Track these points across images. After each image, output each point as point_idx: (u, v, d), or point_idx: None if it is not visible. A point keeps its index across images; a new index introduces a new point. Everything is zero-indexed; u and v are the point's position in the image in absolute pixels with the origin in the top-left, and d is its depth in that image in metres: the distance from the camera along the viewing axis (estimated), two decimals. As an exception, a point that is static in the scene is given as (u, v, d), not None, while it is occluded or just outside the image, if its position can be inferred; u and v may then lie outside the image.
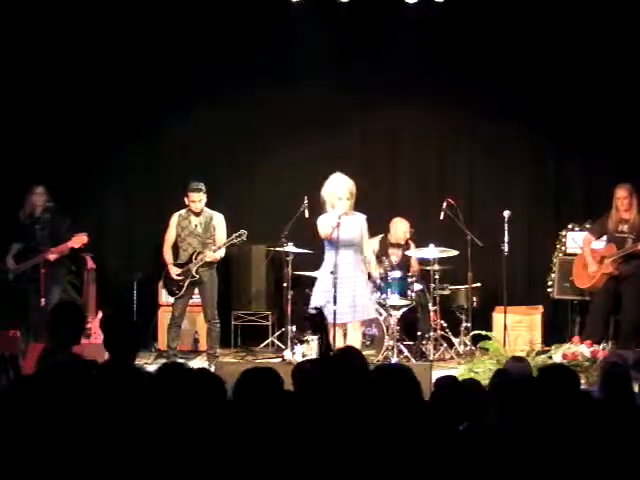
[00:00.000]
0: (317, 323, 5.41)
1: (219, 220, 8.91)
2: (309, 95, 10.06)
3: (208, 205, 8.90)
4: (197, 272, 8.78)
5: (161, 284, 9.38)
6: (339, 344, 7.62)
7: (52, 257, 8.54)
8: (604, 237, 8.80)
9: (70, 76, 9.98)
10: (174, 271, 8.81)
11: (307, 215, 8.78)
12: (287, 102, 10.07)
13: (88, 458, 3.57)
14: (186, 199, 8.83)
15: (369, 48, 10.04)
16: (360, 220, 7.99)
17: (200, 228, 8.85)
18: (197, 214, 8.84)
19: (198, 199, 8.78)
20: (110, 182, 10.23)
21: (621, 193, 8.54)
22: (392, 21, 9.94)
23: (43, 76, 9.93)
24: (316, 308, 5.62)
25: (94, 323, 8.64)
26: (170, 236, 8.93)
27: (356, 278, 7.86)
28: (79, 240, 8.62)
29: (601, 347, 7.91)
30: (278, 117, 10.15)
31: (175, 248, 8.95)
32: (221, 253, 8.84)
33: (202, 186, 8.80)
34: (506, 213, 8.54)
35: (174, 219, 8.92)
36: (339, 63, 10.08)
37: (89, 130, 10.10)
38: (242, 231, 8.72)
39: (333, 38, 9.98)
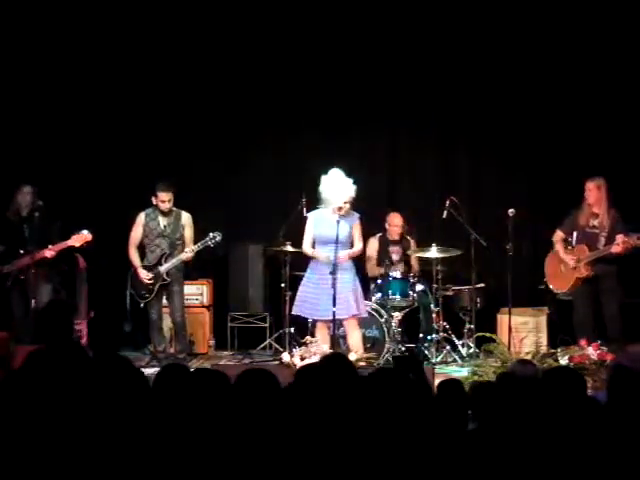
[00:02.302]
0: (411, 364, 5.23)
1: (187, 219, 8.67)
2: (308, 94, 9.98)
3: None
4: (168, 275, 8.56)
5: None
6: (324, 342, 7.78)
7: (49, 254, 8.28)
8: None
9: (60, 76, 9.90)
10: (144, 275, 8.55)
11: (305, 214, 8.69)
12: (285, 101, 10.00)
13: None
14: (154, 198, 8.58)
15: (369, 47, 9.97)
16: (351, 220, 7.94)
17: (169, 229, 8.63)
18: (165, 214, 8.61)
19: (167, 199, 8.54)
20: (103, 181, 10.05)
21: (587, 185, 8.37)
22: (392, 20, 9.89)
23: (31, 76, 9.85)
24: (407, 349, 5.45)
25: (84, 324, 8.46)
26: (137, 236, 8.66)
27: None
28: (82, 238, 8.35)
29: (607, 349, 7.72)
30: (276, 115, 10.06)
31: (140, 248, 8.70)
32: (190, 257, 8.62)
33: (171, 185, 8.57)
34: (510, 211, 8.35)
35: (141, 218, 8.67)
36: (339, 62, 9.99)
37: (80, 128, 9.99)
38: (217, 233, 8.51)
39: (334, 37, 9.91)
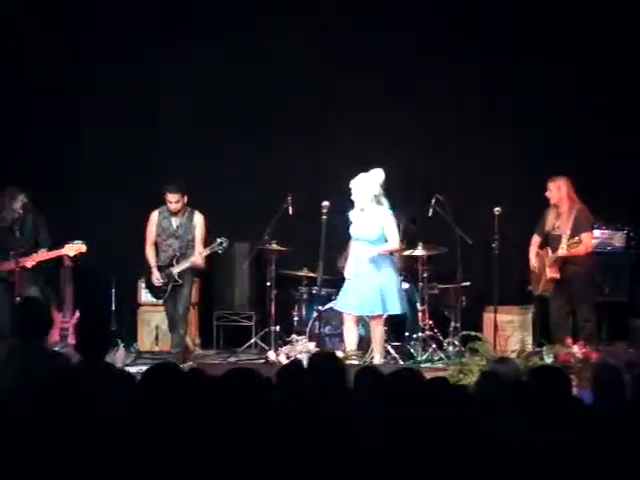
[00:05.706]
0: None
1: (199, 220, 8.67)
2: (294, 94, 9.99)
3: (194, 201, 8.71)
4: (179, 276, 8.55)
5: (144, 285, 9.10)
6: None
7: (29, 264, 8.24)
8: None
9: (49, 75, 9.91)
10: (156, 276, 8.57)
11: (291, 212, 8.70)
12: (275, 101, 10.00)
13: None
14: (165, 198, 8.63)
15: (363, 47, 9.98)
16: (376, 216, 8.04)
17: (181, 229, 8.63)
18: (176, 214, 8.59)
19: (174, 200, 8.54)
20: (87, 178, 10.08)
21: (548, 186, 8.40)
22: (387, 18, 9.90)
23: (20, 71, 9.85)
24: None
25: (71, 323, 8.42)
26: (151, 235, 8.68)
27: (364, 273, 8.08)
28: (76, 248, 8.33)
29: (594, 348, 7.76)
30: (265, 115, 10.06)
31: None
32: (201, 262, 8.66)
33: (179, 186, 8.56)
34: (496, 210, 8.35)
35: (154, 217, 8.68)
36: (327, 64, 9.99)
37: (68, 124, 10.02)
38: (223, 239, 8.53)
39: (330, 35, 9.96)
